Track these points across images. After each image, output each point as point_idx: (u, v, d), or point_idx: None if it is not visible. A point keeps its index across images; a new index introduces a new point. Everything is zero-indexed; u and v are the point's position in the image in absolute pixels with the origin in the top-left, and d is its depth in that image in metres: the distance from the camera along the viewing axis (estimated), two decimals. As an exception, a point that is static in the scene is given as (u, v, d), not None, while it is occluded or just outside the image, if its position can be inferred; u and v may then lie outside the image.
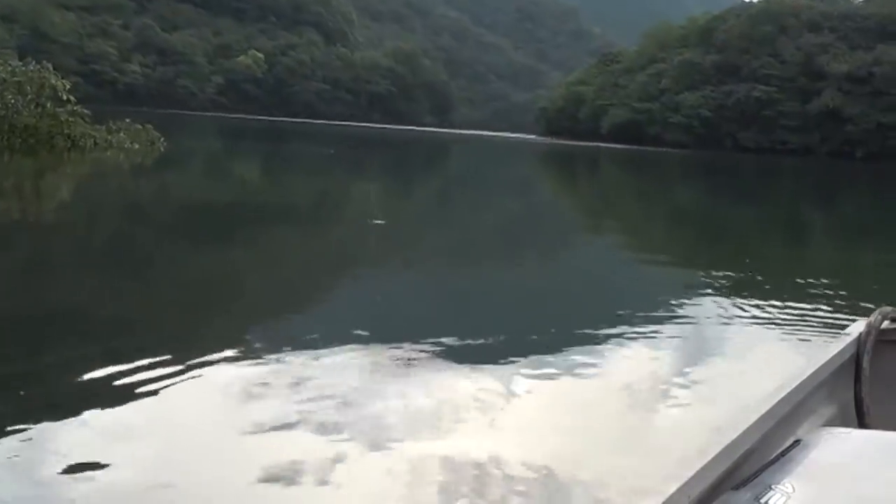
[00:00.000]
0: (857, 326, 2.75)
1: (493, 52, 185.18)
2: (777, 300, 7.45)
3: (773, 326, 6.50)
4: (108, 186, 16.79)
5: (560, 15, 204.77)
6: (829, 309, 7.10)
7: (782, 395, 2.06)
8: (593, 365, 5.12)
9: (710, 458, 1.65)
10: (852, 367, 2.58)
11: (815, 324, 6.52)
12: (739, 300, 7.47)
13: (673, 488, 1.49)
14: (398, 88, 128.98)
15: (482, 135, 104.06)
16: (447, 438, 3.73)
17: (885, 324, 2.77)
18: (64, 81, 20.88)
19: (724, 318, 6.76)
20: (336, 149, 40.39)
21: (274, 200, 15.91)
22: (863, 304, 7.02)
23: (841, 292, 8.14)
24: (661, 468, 3.29)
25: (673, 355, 5.58)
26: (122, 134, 22.59)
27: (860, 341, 2.64)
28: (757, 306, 7.19)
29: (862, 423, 2.49)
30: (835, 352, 2.52)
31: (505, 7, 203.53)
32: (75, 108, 20.99)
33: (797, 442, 1.87)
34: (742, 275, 9.31)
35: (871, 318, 2.73)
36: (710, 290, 8.10)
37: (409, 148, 54.72)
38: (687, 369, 5.14)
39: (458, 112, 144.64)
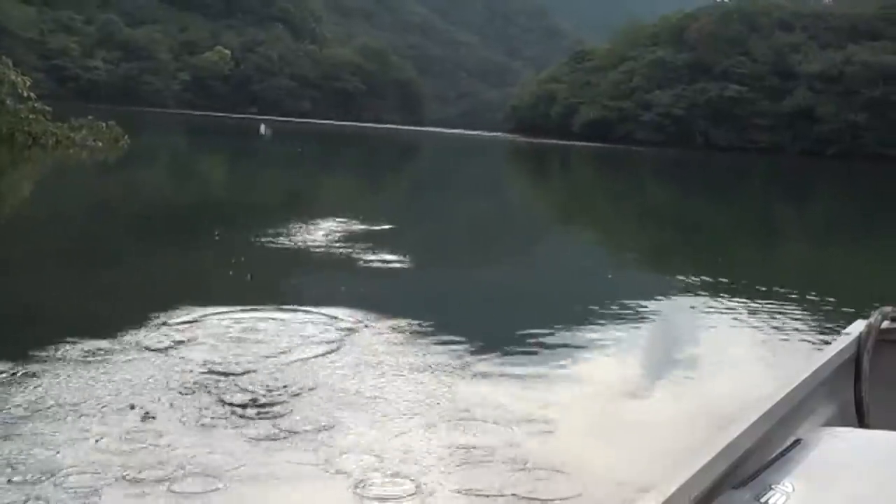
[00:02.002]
0: (857, 326, 2.74)
1: (464, 49, 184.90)
2: (747, 299, 7.63)
3: (741, 325, 6.62)
4: (67, 185, 16.50)
5: (531, 12, 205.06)
6: (799, 309, 7.16)
7: (782, 395, 2.05)
8: (568, 365, 5.13)
9: (710, 457, 1.66)
10: (852, 367, 2.58)
11: (785, 324, 6.58)
12: (710, 300, 7.61)
13: (673, 488, 1.52)
14: (367, 86, 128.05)
15: (452, 133, 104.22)
16: (412, 438, 3.63)
17: (885, 324, 2.78)
18: (24, 78, 20.58)
19: (693, 318, 6.89)
20: (303, 147, 39.94)
21: (238, 200, 15.67)
22: (830, 303, 7.38)
23: (811, 291, 8.26)
24: (636, 467, 3.41)
25: (643, 355, 5.66)
26: (84, 131, 22.05)
27: (860, 341, 2.64)
28: (727, 306, 7.35)
29: (862, 423, 2.48)
30: (835, 352, 2.53)
31: (475, 4, 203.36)
32: (36, 104, 20.58)
33: (797, 442, 1.88)
34: (714, 275, 9.41)
35: (871, 319, 2.73)
36: (681, 290, 8.24)
37: (378, 146, 54.67)
38: (659, 368, 5.22)
39: (428, 109, 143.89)
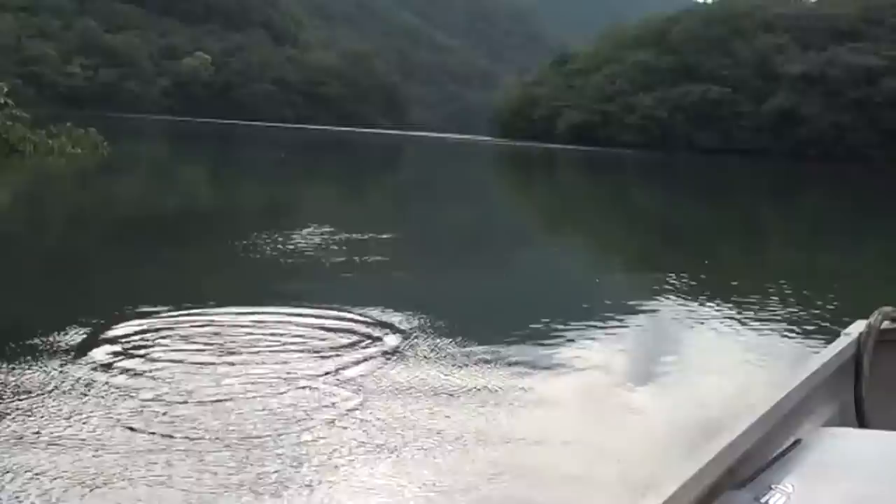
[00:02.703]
0: (857, 326, 2.73)
1: (447, 53, 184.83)
2: (734, 301, 7.65)
3: (732, 326, 6.64)
4: (46, 193, 16.37)
5: (515, 15, 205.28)
6: (790, 310, 7.16)
7: (782, 395, 2.06)
8: (555, 367, 5.16)
9: (710, 458, 1.67)
10: (852, 367, 2.57)
11: (777, 325, 6.56)
12: (699, 302, 7.61)
13: (673, 488, 1.53)
14: (350, 90, 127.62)
15: (436, 136, 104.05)
16: (396, 445, 3.67)
17: (885, 324, 2.77)
18: (1, 84, 20.21)
19: (682, 320, 6.90)
20: (287, 153, 39.66)
21: (222, 208, 15.64)
22: (821, 304, 7.36)
23: (801, 292, 8.27)
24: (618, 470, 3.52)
25: (628, 357, 5.67)
26: (63, 138, 21.69)
27: (860, 341, 2.63)
28: (716, 307, 7.36)
29: (862, 423, 2.48)
30: (835, 352, 2.52)
31: (458, 8, 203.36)
32: (14, 111, 20.23)
33: (797, 442, 1.90)
34: (704, 276, 9.49)
35: (871, 319, 2.72)
36: (671, 292, 8.16)
37: (364, 151, 54.53)
38: (645, 371, 5.26)
39: (412, 114, 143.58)
